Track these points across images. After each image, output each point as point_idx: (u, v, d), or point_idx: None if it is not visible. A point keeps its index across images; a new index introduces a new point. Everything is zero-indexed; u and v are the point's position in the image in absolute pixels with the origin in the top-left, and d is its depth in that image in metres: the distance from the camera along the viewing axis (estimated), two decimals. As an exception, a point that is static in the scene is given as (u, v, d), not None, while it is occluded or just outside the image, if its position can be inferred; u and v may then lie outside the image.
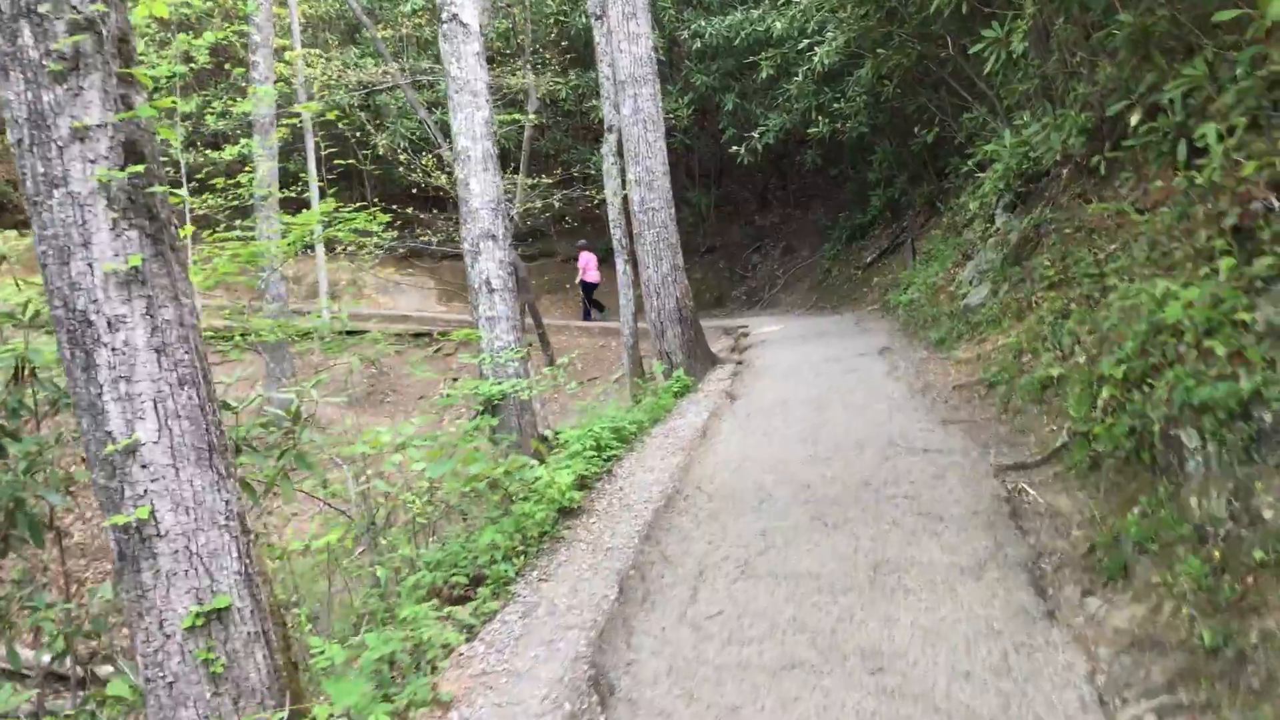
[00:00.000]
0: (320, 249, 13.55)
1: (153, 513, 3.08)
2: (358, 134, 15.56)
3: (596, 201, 14.61)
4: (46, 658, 3.93)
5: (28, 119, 2.94)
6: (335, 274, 16.09)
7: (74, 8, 2.93)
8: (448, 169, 9.28)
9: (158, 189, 3.12)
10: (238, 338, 6.04)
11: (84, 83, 2.97)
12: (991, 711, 2.81)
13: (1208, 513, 3.21)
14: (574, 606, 3.71)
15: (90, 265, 2.99)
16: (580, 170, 17.21)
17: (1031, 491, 4.55)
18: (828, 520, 4.43)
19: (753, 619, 3.58)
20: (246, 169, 8.70)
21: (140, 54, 9.91)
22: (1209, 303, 3.52)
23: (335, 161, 14.19)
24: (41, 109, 2.93)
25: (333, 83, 14.23)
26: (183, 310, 3.20)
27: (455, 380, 12.02)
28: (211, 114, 11.26)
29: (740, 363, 10.47)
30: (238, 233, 6.64)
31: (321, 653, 3.28)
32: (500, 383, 6.62)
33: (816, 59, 12.80)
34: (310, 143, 14.33)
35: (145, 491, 3.09)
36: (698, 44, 17.05)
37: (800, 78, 14.03)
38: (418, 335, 15.26)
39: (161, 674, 3.06)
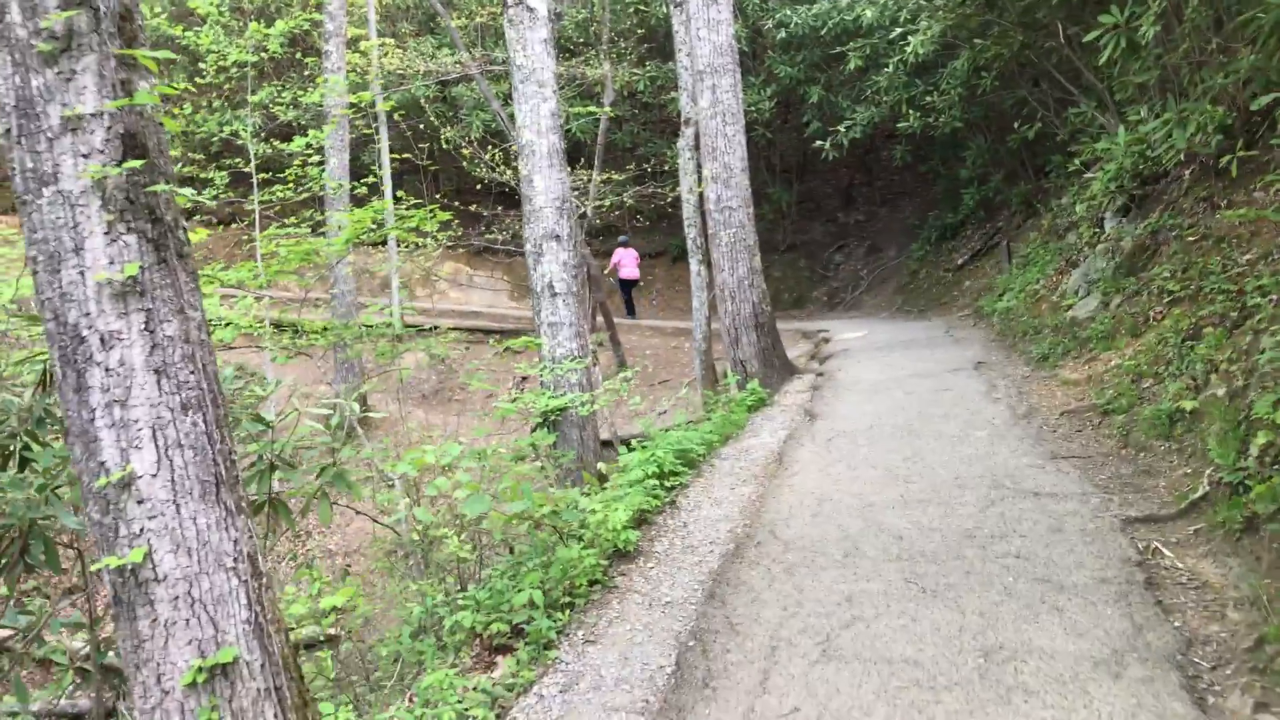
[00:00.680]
0: (392, 242, 13.39)
1: (150, 554, 2.73)
2: (423, 127, 15.37)
3: (670, 199, 14.12)
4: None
5: (15, 106, 2.58)
6: (406, 269, 15.98)
7: (66, -21, 2.55)
8: (514, 163, 8.91)
9: (161, 187, 2.73)
10: (287, 340, 5.75)
11: (77, 65, 2.60)
12: None
13: None
14: (623, 680, 3.17)
15: (82, 274, 2.64)
16: (655, 166, 16.71)
17: (1168, 554, 3.85)
18: (925, 585, 3.79)
19: (835, 724, 2.91)
20: (311, 157, 8.49)
21: (210, 44, 9.73)
22: None
23: (404, 155, 14.03)
24: (30, 95, 2.57)
25: (407, 73, 14.04)
26: (189, 325, 2.81)
27: (524, 380, 11.67)
28: (280, 105, 11.13)
29: (820, 374, 9.79)
30: (291, 228, 6.35)
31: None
32: (559, 395, 6.17)
33: (909, 50, 12.33)
34: (384, 134, 14.19)
35: (142, 530, 2.74)
36: (782, 34, 16.56)
37: (891, 69, 13.75)
38: (489, 333, 15.02)
39: (158, 735, 2.70)
